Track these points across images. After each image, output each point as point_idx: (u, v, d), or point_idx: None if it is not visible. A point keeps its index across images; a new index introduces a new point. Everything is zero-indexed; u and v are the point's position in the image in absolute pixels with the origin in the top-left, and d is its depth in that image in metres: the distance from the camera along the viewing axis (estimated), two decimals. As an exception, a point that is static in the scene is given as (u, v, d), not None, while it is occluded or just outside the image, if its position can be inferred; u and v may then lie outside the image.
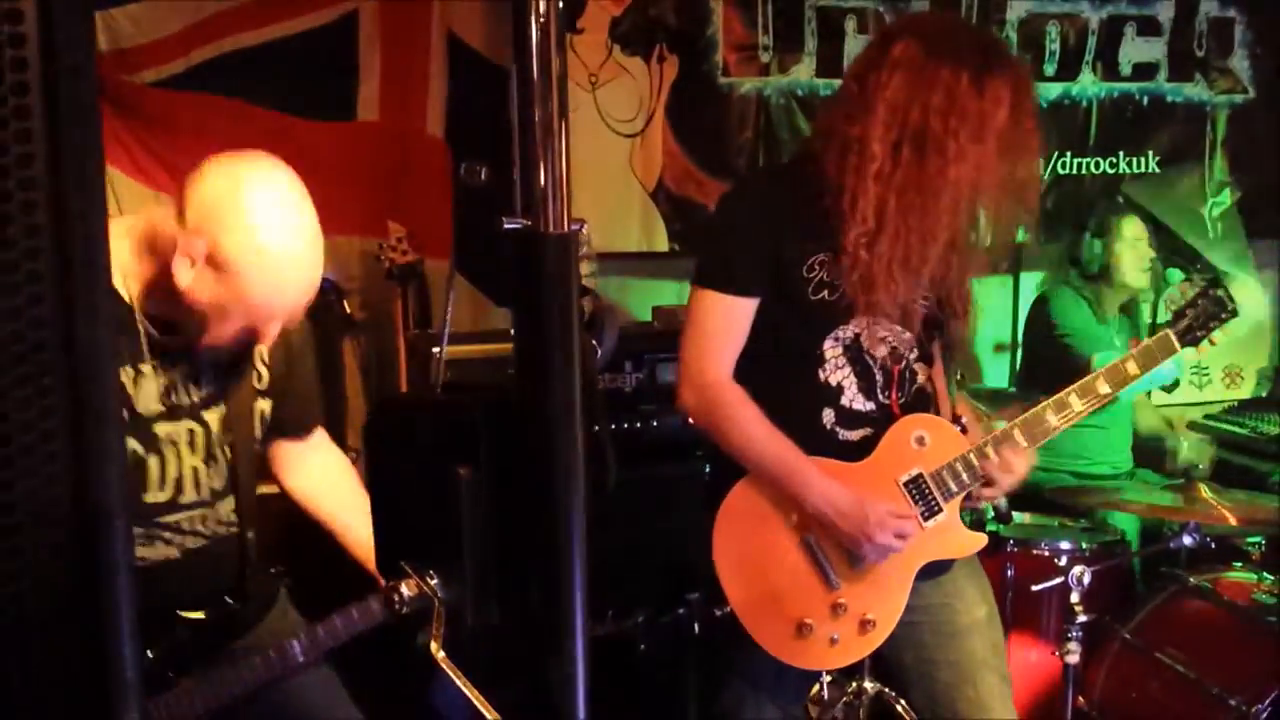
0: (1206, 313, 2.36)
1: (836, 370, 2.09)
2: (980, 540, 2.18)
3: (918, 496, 2.11)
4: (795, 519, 2.09)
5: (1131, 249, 3.67)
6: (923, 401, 2.17)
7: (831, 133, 2.06)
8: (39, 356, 0.68)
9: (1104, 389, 2.20)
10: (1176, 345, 2.31)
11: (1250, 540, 3.37)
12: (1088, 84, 4.26)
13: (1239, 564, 3.24)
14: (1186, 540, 2.80)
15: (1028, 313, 3.89)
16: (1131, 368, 2.23)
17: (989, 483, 2.13)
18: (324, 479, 2.11)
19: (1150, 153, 4.34)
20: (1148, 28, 4.28)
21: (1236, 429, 4.11)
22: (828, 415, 2.10)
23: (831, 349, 2.09)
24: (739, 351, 2.10)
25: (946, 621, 2.17)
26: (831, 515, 2.04)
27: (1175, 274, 3.91)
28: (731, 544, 2.10)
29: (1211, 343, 2.39)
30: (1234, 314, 2.41)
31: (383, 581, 1.95)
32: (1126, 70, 4.28)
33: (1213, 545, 3.29)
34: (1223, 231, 4.41)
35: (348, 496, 2.11)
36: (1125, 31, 4.26)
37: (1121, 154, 4.30)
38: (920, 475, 2.11)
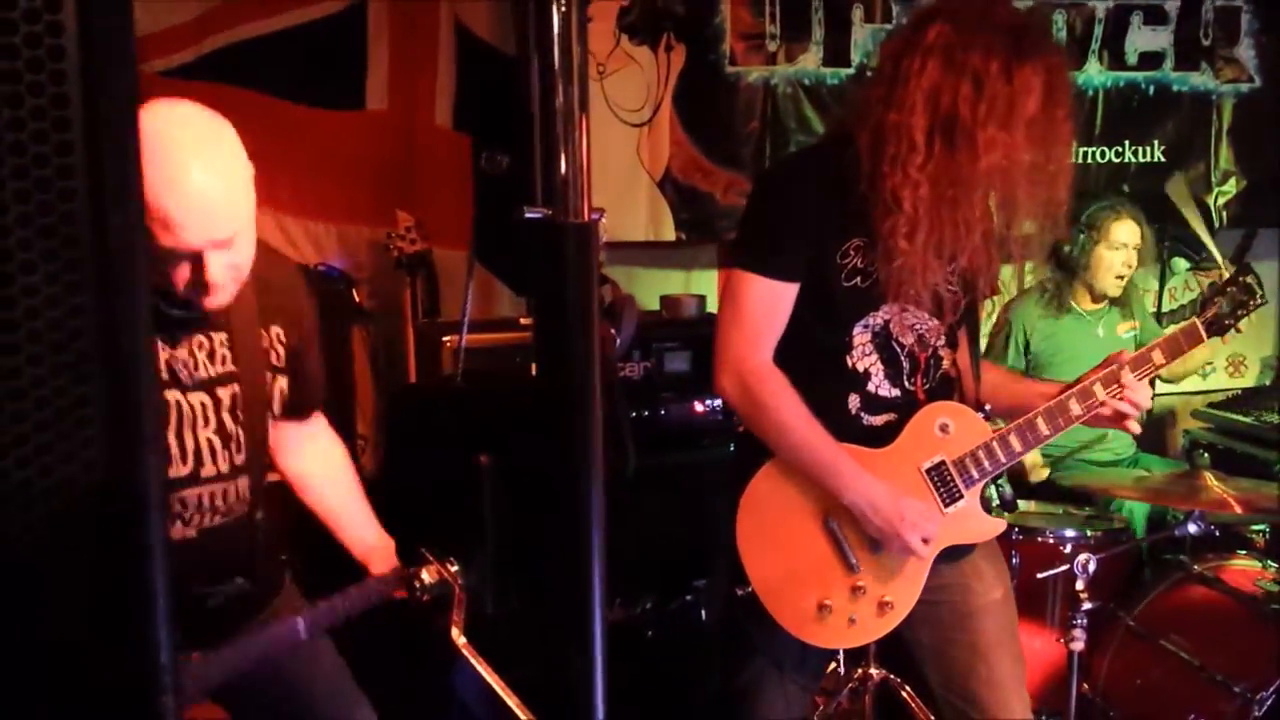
0: (1235, 301, 2.32)
1: (864, 357, 2.11)
2: (1000, 525, 2.20)
3: (939, 483, 2.13)
4: (818, 504, 2.11)
5: (1113, 253, 3.64)
6: (947, 387, 2.19)
7: (867, 117, 2.04)
8: (77, 344, 0.70)
9: (1128, 378, 2.17)
10: (1204, 334, 2.28)
11: (1255, 528, 3.39)
12: (1094, 73, 4.26)
13: (1243, 551, 3.26)
14: (1191, 528, 2.81)
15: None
16: (1158, 357, 2.22)
17: (1116, 416, 2.16)
18: (322, 464, 2.13)
19: (1156, 142, 4.34)
20: (1154, 16, 4.28)
21: (1240, 417, 4.12)
22: (854, 401, 2.12)
23: (860, 336, 2.10)
24: (779, 337, 2.09)
25: (963, 601, 2.19)
26: (867, 511, 2.06)
27: (1180, 263, 3.92)
28: (755, 526, 2.12)
29: (1238, 330, 2.34)
30: (1264, 301, 2.37)
31: (372, 570, 1.98)
32: (1133, 59, 4.28)
33: (1217, 533, 3.31)
34: (1227, 220, 4.41)
35: (343, 484, 2.14)
36: (1132, 20, 4.26)
37: (1127, 143, 4.30)
38: (943, 462, 2.13)
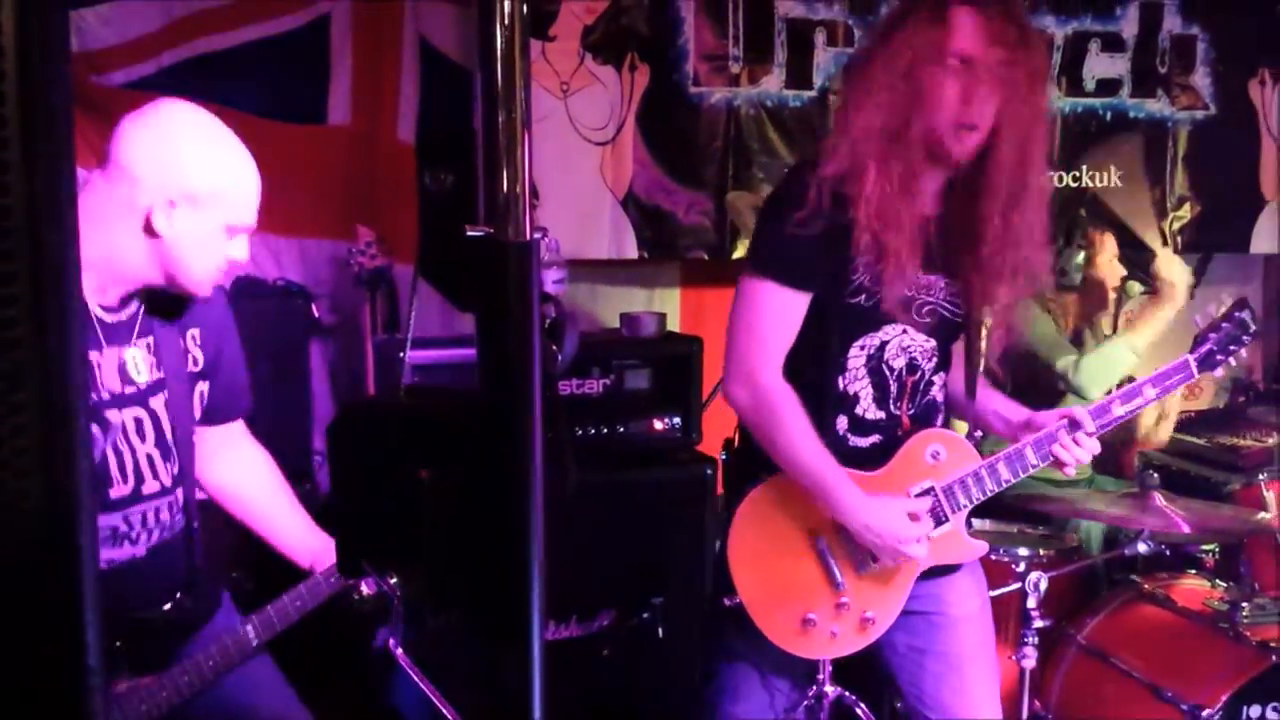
0: (1229, 336, 2.27)
1: (855, 380, 2.15)
2: (982, 548, 2.24)
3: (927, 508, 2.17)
4: (810, 522, 2.16)
5: (1110, 264, 3.71)
6: (931, 412, 2.22)
7: (845, 134, 2.04)
8: (11, 355, 0.70)
9: (1119, 410, 2.19)
10: (1195, 371, 2.26)
11: (1204, 548, 3.44)
12: (1053, 98, 4.32)
13: (1193, 571, 3.31)
14: (1141, 548, 2.85)
15: None
16: (1149, 391, 2.22)
17: (1059, 464, 2.18)
18: (244, 473, 2.11)
19: (1113, 167, 4.41)
20: (1111, 44, 4.35)
21: (1194, 439, 4.17)
22: (842, 422, 2.17)
23: (855, 359, 2.13)
24: (789, 347, 2.09)
25: (939, 613, 2.24)
26: (864, 532, 2.10)
27: (1135, 286, 3.96)
28: (747, 539, 2.16)
29: (1229, 365, 2.29)
30: (1255, 336, 2.33)
31: (311, 570, 1.97)
32: (1091, 86, 4.34)
33: (1168, 552, 3.36)
34: (1183, 245, 4.48)
35: (269, 491, 2.12)
36: (1090, 47, 4.33)
37: (1085, 168, 4.37)
38: (932, 488, 2.17)
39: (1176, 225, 4.48)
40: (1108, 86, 4.37)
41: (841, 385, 2.14)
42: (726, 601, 2.17)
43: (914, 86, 1.93)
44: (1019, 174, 2.00)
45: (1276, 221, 4.57)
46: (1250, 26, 4.45)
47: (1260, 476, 3.51)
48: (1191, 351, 2.29)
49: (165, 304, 1.86)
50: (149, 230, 1.73)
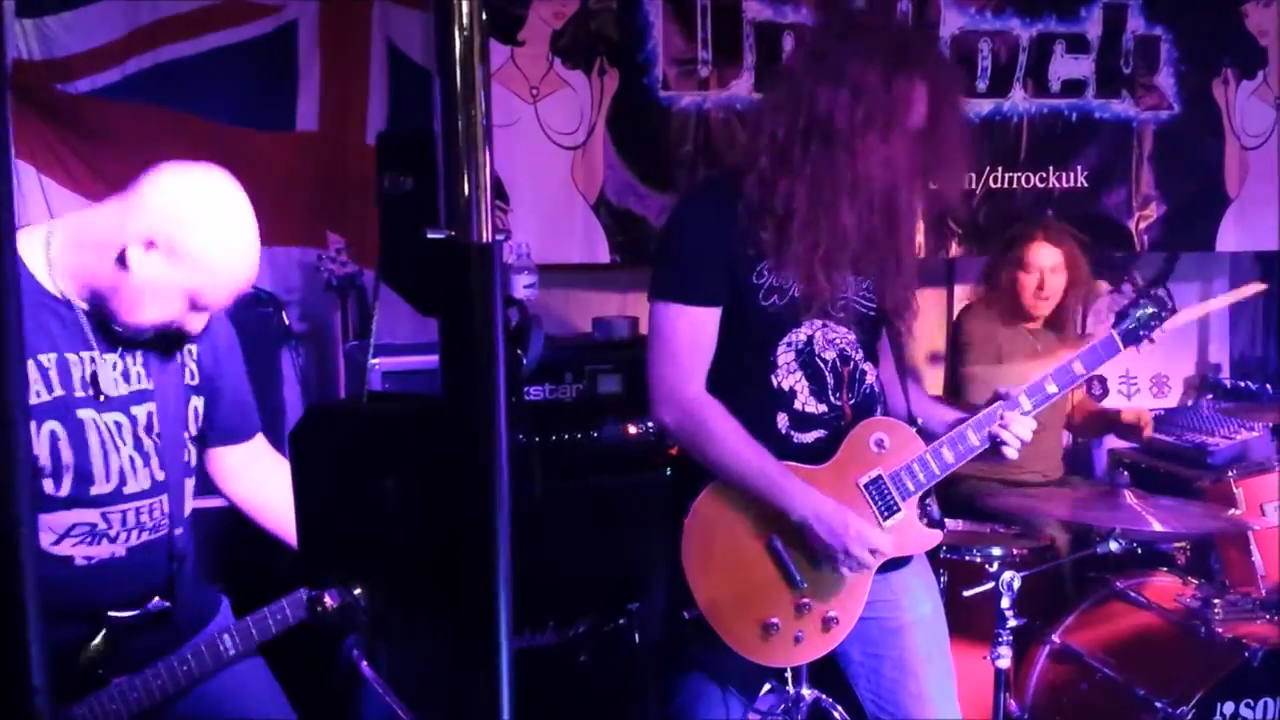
0: (1149, 313, 2.41)
1: (789, 375, 2.14)
2: (936, 537, 2.24)
3: (877, 497, 2.17)
4: (761, 523, 2.13)
5: (1029, 276, 3.68)
6: (871, 401, 2.23)
7: (760, 129, 2.10)
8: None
9: (1051, 389, 2.27)
10: (1121, 345, 2.37)
11: (1176, 545, 3.46)
12: (1018, 100, 4.35)
13: (1164, 568, 3.33)
14: (1112, 546, 2.86)
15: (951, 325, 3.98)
16: (1078, 367, 2.30)
17: (1001, 445, 2.20)
18: (268, 486, 2.12)
19: (1079, 167, 4.44)
20: (1076, 45, 4.38)
21: (1163, 436, 4.21)
22: (782, 419, 2.15)
23: (784, 354, 2.13)
24: (709, 362, 2.12)
25: (892, 618, 2.23)
26: (814, 525, 2.08)
27: (1103, 287, 4.00)
28: (699, 549, 2.13)
29: (1151, 341, 2.44)
30: (1174, 312, 2.48)
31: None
32: (1056, 87, 4.37)
33: (1139, 550, 3.38)
34: (1148, 244, 4.51)
35: (289, 506, 2.12)
36: (1055, 49, 4.36)
37: (1051, 169, 4.40)
38: (880, 476, 2.16)
39: (1143, 224, 4.52)
40: (1073, 87, 4.40)
41: (776, 383, 2.14)
42: (686, 614, 2.13)
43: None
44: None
45: (1241, 220, 4.61)
46: (1213, 27, 4.50)
47: (1230, 473, 3.54)
48: (1115, 327, 2.40)
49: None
50: (120, 260, 1.76)
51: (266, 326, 3.55)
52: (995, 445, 2.21)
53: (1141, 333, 2.41)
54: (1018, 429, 2.19)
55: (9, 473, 0.65)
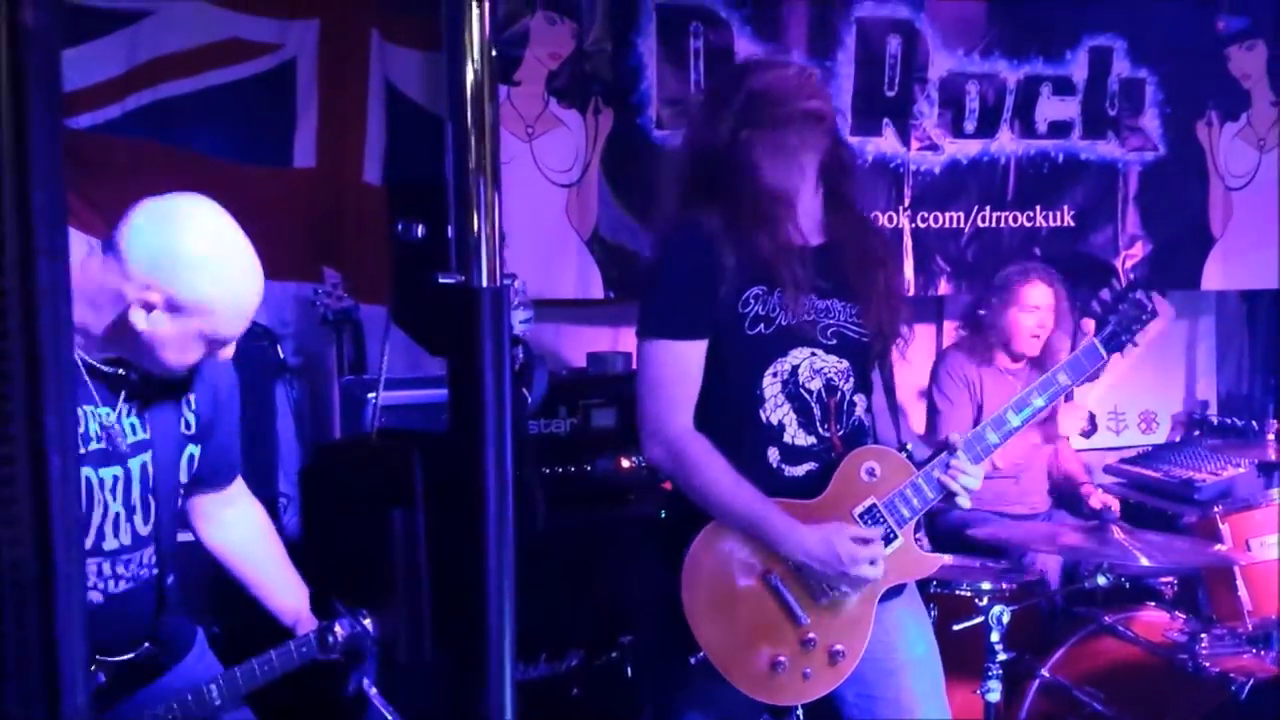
0: (1129, 317, 2.38)
1: (777, 409, 2.14)
2: (938, 561, 2.25)
3: (873, 526, 2.17)
4: (758, 561, 2.13)
5: (1025, 315, 3.75)
6: (860, 432, 2.23)
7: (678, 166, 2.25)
8: (3, 407, 0.71)
9: (1038, 402, 2.26)
10: (1103, 352, 2.35)
11: (1163, 580, 3.50)
12: (1006, 141, 4.42)
13: (1152, 603, 3.36)
14: (1100, 580, 2.89)
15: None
16: (1062, 378, 2.31)
17: (951, 496, 2.19)
18: (242, 531, 2.12)
19: (1065, 207, 4.51)
20: (1062, 87, 4.46)
21: (1150, 472, 4.25)
22: (772, 454, 2.15)
23: (771, 386, 2.14)
24: (696, 396, 2.13)
25: (885, 659, 2.22)
26: (806, 561, 2.09)
27: (1086, 324, 4.04)
28: (700, 591, 2.12)
29: (1135, 345, 2.41)
30: (1154, 315, 2.44)
31: (297, 633, 1.97)
32: (1042, 128, 4.45)
33: (1127, 585, 3.41)
34: (1135, 282, 4.57)
35: (264, 549, 2.12)
36: (1041, 91, 4.44)
37: (1038, 208, 4.46)
38: (874, 506, 2.17)
39: (1129, 263, 4.58)
40: (1059, 129, 4.47)
41: (764, 416, 2.14)
42: (692, 660, 2.13)
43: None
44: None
45: (1226, 259, 4.68)
46: (1197, 70, 4.58)
47: (1216, 509, 3.57)
48: (1096, 334, 2.38)
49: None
50: (126, 319, 1.72)
51: (262, 360, 3.57)
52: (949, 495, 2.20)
53: (1124, 337, 2.38)
54: (965, 481, 2.17)
55: (63, 515, 0.68)
